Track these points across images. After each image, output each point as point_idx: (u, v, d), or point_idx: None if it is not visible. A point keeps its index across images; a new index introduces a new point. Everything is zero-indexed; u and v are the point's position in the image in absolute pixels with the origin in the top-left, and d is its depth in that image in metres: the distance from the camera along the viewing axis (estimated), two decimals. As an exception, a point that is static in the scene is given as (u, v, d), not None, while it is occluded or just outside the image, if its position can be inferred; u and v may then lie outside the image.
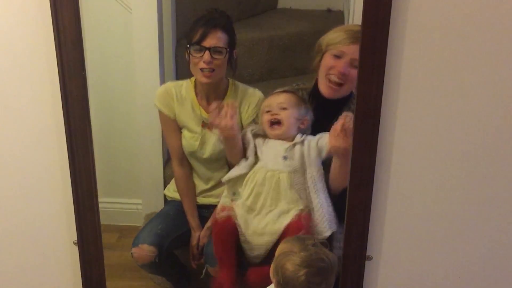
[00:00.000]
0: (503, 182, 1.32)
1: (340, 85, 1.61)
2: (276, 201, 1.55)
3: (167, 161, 2.08)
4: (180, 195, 1.89)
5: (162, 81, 2.02)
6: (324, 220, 1.53)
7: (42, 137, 1.35)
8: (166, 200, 1.99)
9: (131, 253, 1.76)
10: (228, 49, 1.71)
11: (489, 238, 1.38)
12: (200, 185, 1.88)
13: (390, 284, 1.44)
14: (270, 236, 1.54)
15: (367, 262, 1.39)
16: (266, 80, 2.24)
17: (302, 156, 1.56)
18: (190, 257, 1.87)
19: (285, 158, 1.56)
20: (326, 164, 1.58)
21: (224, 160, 1.78)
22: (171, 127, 1.84)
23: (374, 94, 1.22)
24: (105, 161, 1.98)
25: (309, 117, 1.62)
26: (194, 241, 1.85)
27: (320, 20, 2.47)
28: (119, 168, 2.10)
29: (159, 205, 2.03)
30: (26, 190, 1.41)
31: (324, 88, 1.63)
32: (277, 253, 1.34)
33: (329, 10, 2.57)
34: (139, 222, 2.06)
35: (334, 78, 1.60)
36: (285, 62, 2.29)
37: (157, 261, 1.75)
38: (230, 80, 1.82)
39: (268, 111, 1.61)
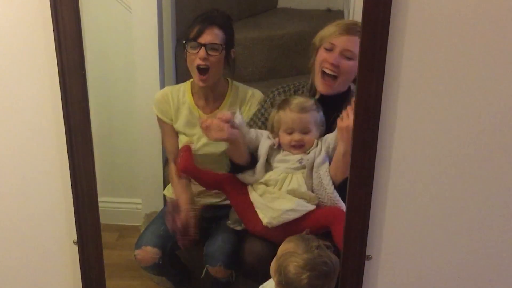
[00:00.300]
0: (503, 182, 1.32)
1: (334, 78, 1.61)
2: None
3: (167, 161, 2.08)
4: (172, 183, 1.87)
5: (162, 80, 2.02)
6: None
7: (42, 137, 1.35)
8: (166, 200, 1.99)
9: (134, 255, 1.76)
10: (223, 46, 1.71)
11: (489, 237, 1.38)
12: (199, 186, 1.88)
13: (390, 284, 1.44)
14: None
15: (366, 262, 1.39)
16: (266, 80, 2.24)
17: (314, 157, 1.58)
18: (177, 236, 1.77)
19: (300, 162, 1.59)
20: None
21: (223, 160, 1.78)
22: (168, 131, 1.86)
23: (374, 94, 1.22)
24: (105, 161, 1.98)
25: (323, 123, 1.64)
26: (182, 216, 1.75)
27: (320, 20, 2.45)
28: (119, 167, 2.10)
29: (159, 205, 2.03)
30: (26, 189, 1.41)
31: (320, 85, 1.64)
32: (280, 252, 1.34)
33: (329, 10, 2.57)
34: (139, 222, 2.06)
35: (327, 70, 1.60)
36: (285, 62, 2.29)
37: (160, 262, 1.75)
38: (230, 81, 1.82)
39: (290, 133, 1.61)
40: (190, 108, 1.81)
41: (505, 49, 1.21)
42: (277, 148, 1.64)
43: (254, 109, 1.77)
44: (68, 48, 1.23)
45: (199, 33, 1.70)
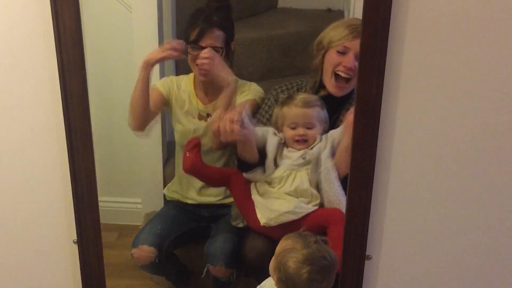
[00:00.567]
0: (503, 182, 1.32)
1: (347, 80, 1.62)
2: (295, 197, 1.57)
3: (166, 161, 2.08)
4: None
5: (162, 80, 2.02)
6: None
7: (42, 136, 1.35)
8: (165, 200, 1.99)
9: (131, 254, 1.76)
10: (224, 48, 1.72)
11: (489, 237, 1.38)
12: (197, 181, 1.87)
13: (390, 284, 1.44)
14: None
15: (366, 262, 1.39)
16: (266, 79, 2.24)
17: (318, 152, 1.59)
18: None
19: (304, 158, 1.59)
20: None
21: (221, 152, 1.77)
22: (153, 94, 1.77)
23: (374, 94, 1.22)
24: (105, 160, 1.97)
25: (327, 120, 1.64)
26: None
27: (320, 20, 2.46)
28: (119, 167, 2.10)
29: (159, 204, 2.03)
30: (26, 189, 1.41)
31: (332, 87, 1.64)
32: (278, 249, 1.34)
33: (329, 10, 2.57)
34: (139, 221, 2.06)
35: (342, 74, 1.61)
36: (285, 61, 2.29)
37: (157, 261, 1.75)
38: None
39: (294, 128, 1.62)
40: (190, 97, 1.82)
41: (505, 49, 1.21)
42: (282, 144, 1.64)
43: (250, 97, 1.76)
44: (68, 47, 1.23)
45: (200, 36, 1.70)
